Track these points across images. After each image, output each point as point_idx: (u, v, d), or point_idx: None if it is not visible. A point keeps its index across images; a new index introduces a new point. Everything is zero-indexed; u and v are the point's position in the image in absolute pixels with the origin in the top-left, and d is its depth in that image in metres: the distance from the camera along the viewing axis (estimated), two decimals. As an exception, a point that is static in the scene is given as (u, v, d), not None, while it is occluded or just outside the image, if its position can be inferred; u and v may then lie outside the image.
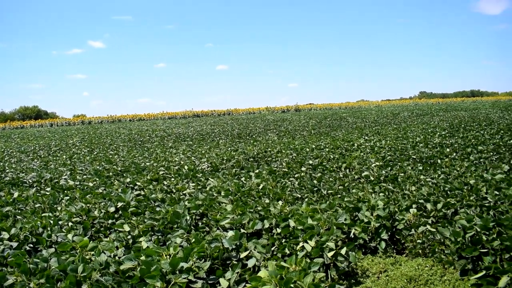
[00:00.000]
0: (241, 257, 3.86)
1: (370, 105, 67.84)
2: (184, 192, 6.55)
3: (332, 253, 3.85)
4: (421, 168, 7.56)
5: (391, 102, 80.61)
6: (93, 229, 4.95)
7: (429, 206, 4.92)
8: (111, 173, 9.01)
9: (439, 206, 4.86)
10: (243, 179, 7.28)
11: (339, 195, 5.89)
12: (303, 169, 8.02)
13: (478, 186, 5.40)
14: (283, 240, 4.29)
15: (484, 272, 3.52)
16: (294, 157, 9.88)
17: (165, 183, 7.41)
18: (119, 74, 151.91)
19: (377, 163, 8.14)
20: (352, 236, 4.51)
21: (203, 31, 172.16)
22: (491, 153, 9.35)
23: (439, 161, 8.38)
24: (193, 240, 4.06)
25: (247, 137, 17.75)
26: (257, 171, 8.06)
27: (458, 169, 7.23)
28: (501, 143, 10.86)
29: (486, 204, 4.77)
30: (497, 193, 5.01)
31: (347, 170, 7.86)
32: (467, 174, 6.64)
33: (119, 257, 3.89)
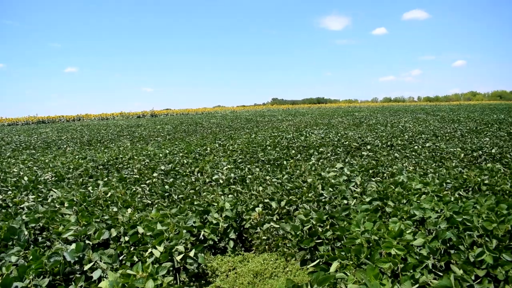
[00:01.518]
0: (85, 269, 3.65)
1: (226, 111, 69.82)
2: (22, 206, 5.97)
3: (181, 256, 3.86)
4: (269, 169, 8.01)
5: (246, 108, 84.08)
6: None
7: (273, 204, 5.24)
8: None
9: (283, 203, 5.20)
10: (90, 188, 6.90)
11: (190, 199, 5.94)
12: (155, 174, 7.91)
13: (315, 184, 5.90)
14: (132, 248, 4.18)
15: (319, 260, 3.87)
16: (146, 163, 9.67)
17: (0, 197, 6.66)
18: None
19: (228, 166, 8.40)
20: (202, 238, 4.59)
21: (49, 29, 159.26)
22: (329, 154, 10.32)
23: (285, 162, 8.97)
24: (31, 256, 3.72)
25: (98, 144, 16.87)
26: (106, 179, 7.71)
27: (301, 169, 7.82)
28: (339, 144, 12.06)
29: (323, 200, 5.25)
30: (331, 189, 5.54)
31: (199, 174, 7.96)
32: (307, 173, 7.21)
33: None
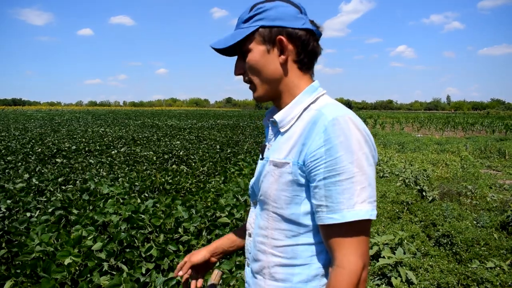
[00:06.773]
0: None
1: None
2: None
3: None
4: None
5: None
6: None
7: None
8: None
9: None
10: None
11: None
12: None
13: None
14: None
15: (-9, 282, 3.58)
16: None
17: None
18: None
19: None
20: None
21: None
22: (20, 163, 9.51)
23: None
24: None
25: None
26: None
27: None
28: (31, 152, 11.22)
29: (0, 215, 4.83)
30: (10, 202, 5.15)
31: None
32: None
33: None
